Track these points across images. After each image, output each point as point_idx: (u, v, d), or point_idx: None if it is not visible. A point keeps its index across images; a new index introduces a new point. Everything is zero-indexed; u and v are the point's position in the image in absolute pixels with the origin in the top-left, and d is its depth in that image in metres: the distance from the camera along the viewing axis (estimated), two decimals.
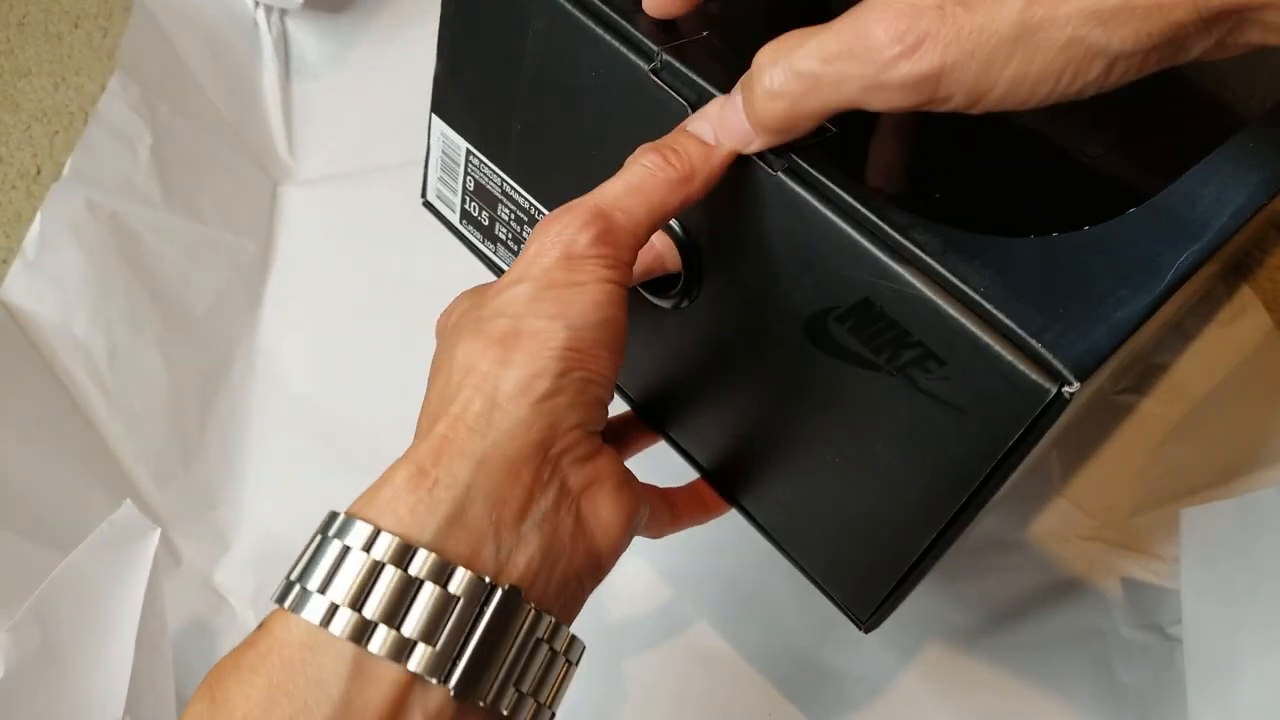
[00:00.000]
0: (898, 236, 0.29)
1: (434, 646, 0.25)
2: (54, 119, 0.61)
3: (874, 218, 0.30)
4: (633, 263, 0.29)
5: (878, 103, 0.25)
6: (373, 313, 0.57)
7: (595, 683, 0.47)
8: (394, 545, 0.25)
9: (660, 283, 0.36)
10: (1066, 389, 0.27)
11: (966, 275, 0.29)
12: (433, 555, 0.25)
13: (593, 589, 0.30)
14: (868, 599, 0.38)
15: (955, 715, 0.46)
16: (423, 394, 0.30)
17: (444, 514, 0.26)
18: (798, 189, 0.30)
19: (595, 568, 0.30)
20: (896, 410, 0.32)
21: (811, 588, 0.39)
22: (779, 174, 0.30)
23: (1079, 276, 0.31)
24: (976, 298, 0.28)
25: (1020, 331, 0.28)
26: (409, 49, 0.64)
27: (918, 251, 0.29)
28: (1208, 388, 0.53)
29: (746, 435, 0.38)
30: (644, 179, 0.28)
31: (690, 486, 0.40)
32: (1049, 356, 0.28)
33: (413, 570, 0.25)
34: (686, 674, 0.48)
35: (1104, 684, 0.46)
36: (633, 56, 0.33)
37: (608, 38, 0.34)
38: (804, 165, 0.30)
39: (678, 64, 0.32)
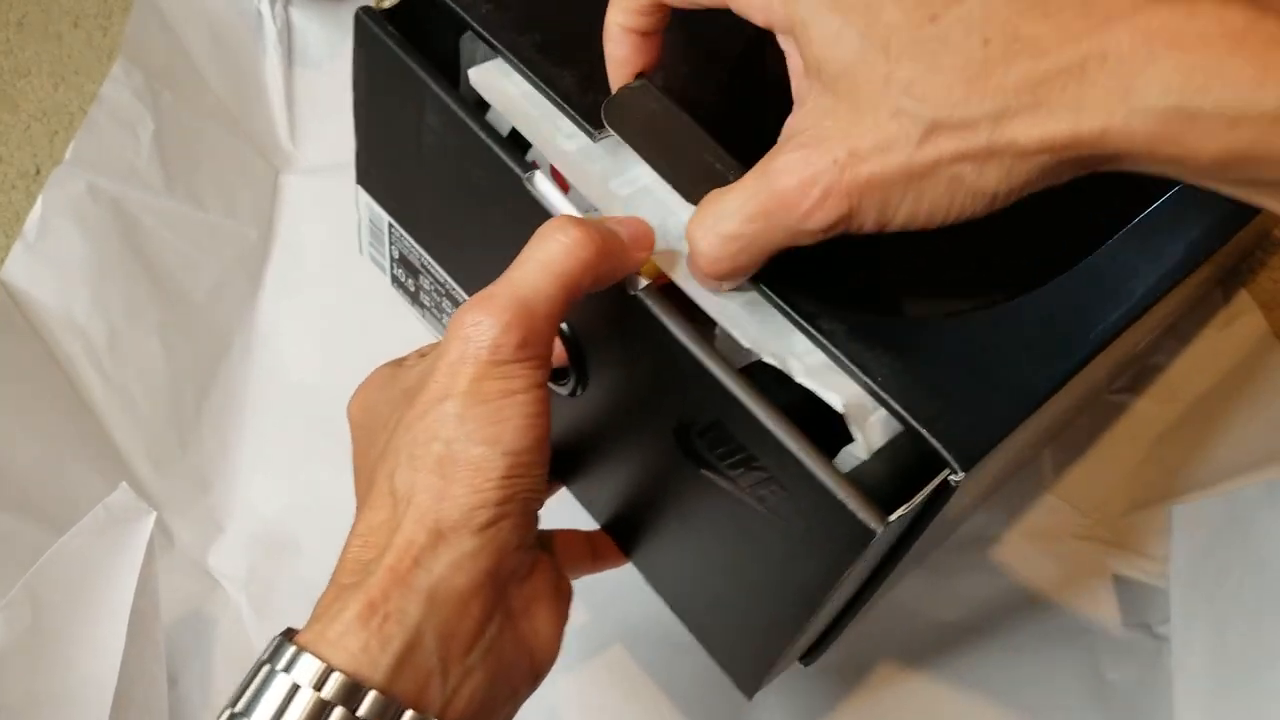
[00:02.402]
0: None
1: None
2: (53, 119, 0.62)
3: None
4: (550, 353, 0.29)
5: (804, 241, 0.28)
6: (371, 301, 0.57)
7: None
8: (343, 685, 0.25)
9: (555, 370, 0.36)
10: (892, 516, 0.28)
11: (866, 364, 0.30)
12: (381, 697, 0.25)
13: (528, 697, 0.30)
14: (744, 671, 0.38)
15: (942, 712, 0.46)
16: None
17: (395, 651, 0.25)
18: (654, 310, 0.30)
19: (533, 679, 0.30)
20: (751, 523, 0.32)
21: None
22: (637, 294, 0.31)
23: (989, 355, 0.32)
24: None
25: (911, 420, 0.29)
26: None
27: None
28: (1202, 389, 0.53)
29: (633, 511, 0.39)
30: (558, 256, 0.28)
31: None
32: (937, 446, 0.29)
33: (361, 712, 0.25)
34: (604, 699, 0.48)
35: (1092, 682, 0.46)
36: (510, 163, 0.34)
37: (487, 141, 0.34)
38: (666, 284, 0.31)
39: (545, 182, 0.33)
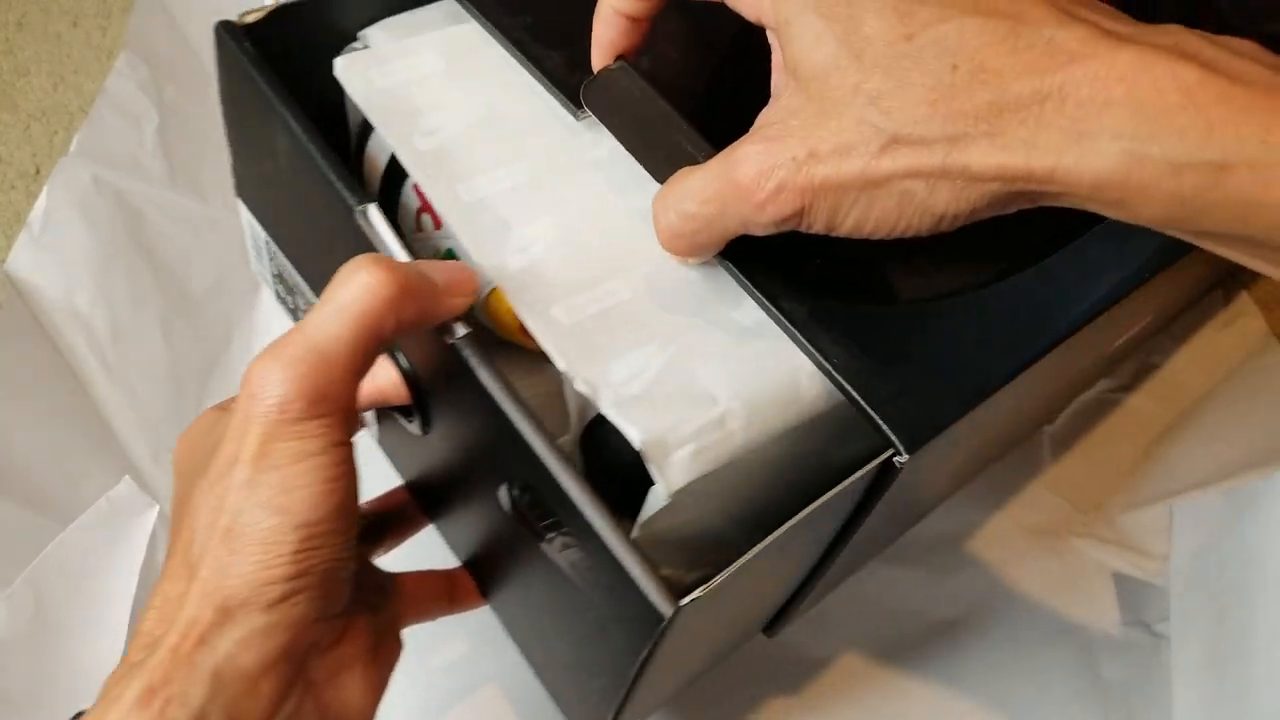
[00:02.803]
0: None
1: None
2: (53, 118, 0.61)
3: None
4: (353, 405, 0.27)
5: (757, 232, 0.29)
6: None
7: None
8: None
9: (405, 407, 0.36)
10: (684, 601, 0.26)
11: (824, 346, 0.30)
12: None
13: None
14: None
15: (939, 709, 0.46)
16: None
17: None
18: (469, 361, 0.29)
19: None
20: (565, 589, 0.31)
21: None
22: (454, 342, 0.30)
23: (947, 344, 0.32)
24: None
25: (861, 401, 0.29)
26: None
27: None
28: (1202, 388, 0.53)
29: (483, 554, 0.38)
30: (357, 298, 0.26)
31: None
32: (884, 427, 0.29)
33: None
34: None
35: (1089, 680, 0.46)
36: (344, 193, 0.33)
37: (324, 169, 0.33)
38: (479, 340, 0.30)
39: (377, 217, 0.32)
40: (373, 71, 0.35)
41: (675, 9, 0.33)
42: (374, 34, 0.38)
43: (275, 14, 0.37)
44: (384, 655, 0.30)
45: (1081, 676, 0.46)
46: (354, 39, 0.38)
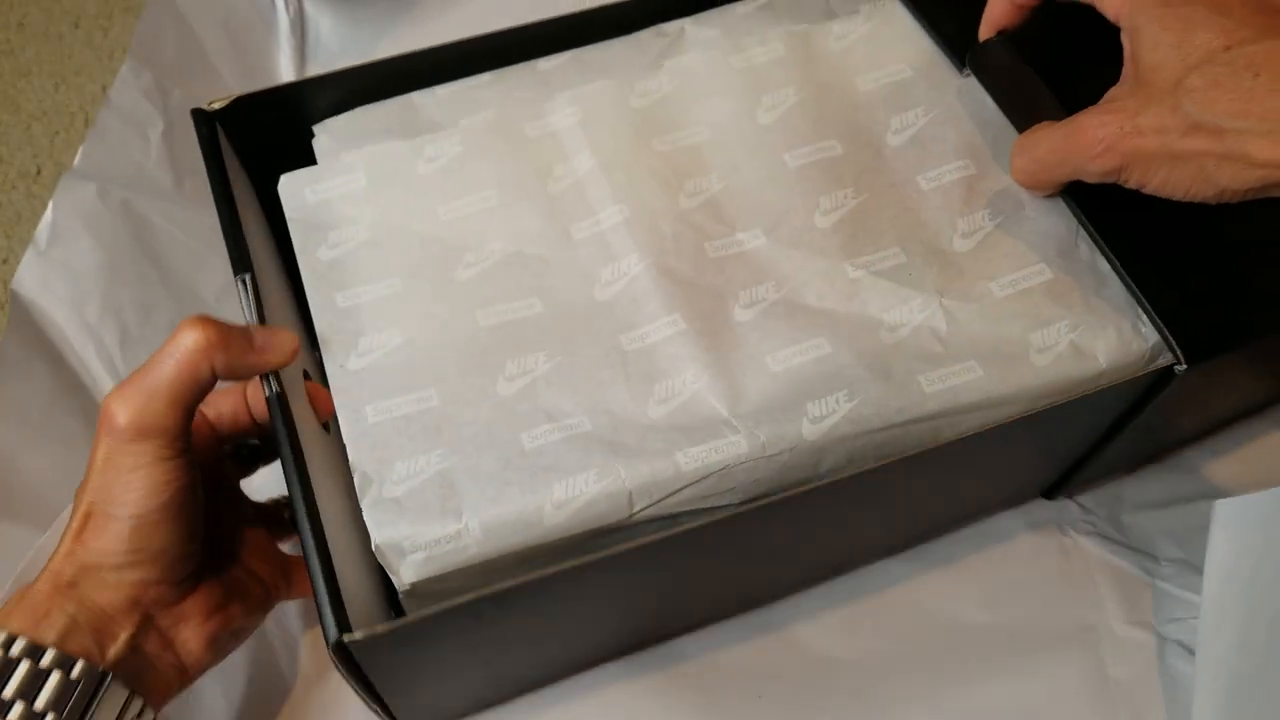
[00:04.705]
0: None
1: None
2: (54, 119, 0.61)
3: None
4: (186, 429, 0.35)
5: (1087, 179, 0.38)
6: None
7: None
8: (25, 644, 0.33)
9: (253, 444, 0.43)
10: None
11: (1140, 274, 0.39)
12: (56, 651, 0.34)
13: (182, 689, 0.38)
14: None
15: (944, 707, 0.46)
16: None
17: (59, 629, 0.34)
18: (272, 413, 0.35)
19: (182, 675, 0.38)
20: None
21: None
22: (270, 395, 0.36)
23: (1256, 282, 0.39)
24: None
25: (1152, 311, 0.38)
26: (425, 31, 0.63)
27: None
28: None
29: None
30: (182, 345, 0.34)
31: None
32: (1169, 337, 0.37)
33: (44, 662, 0.34)
34: None
35: (1095, 680, 0.46)
36: (231, 258, 0.39)
37: (226, 233, 0.40)
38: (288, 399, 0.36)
39: (249, 290, 0.38)
40: (307, 189, 0.41)
41: (1048, 2, 0.42)
42: (321, 137, 0.44)
43: (237, 101, 0.44)
44: (225, 617, 0.39)
45: (1088, 675, 0.46)
46: (313, 120, 0.45)
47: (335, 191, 0.41)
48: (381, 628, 0.31)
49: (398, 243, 0.40)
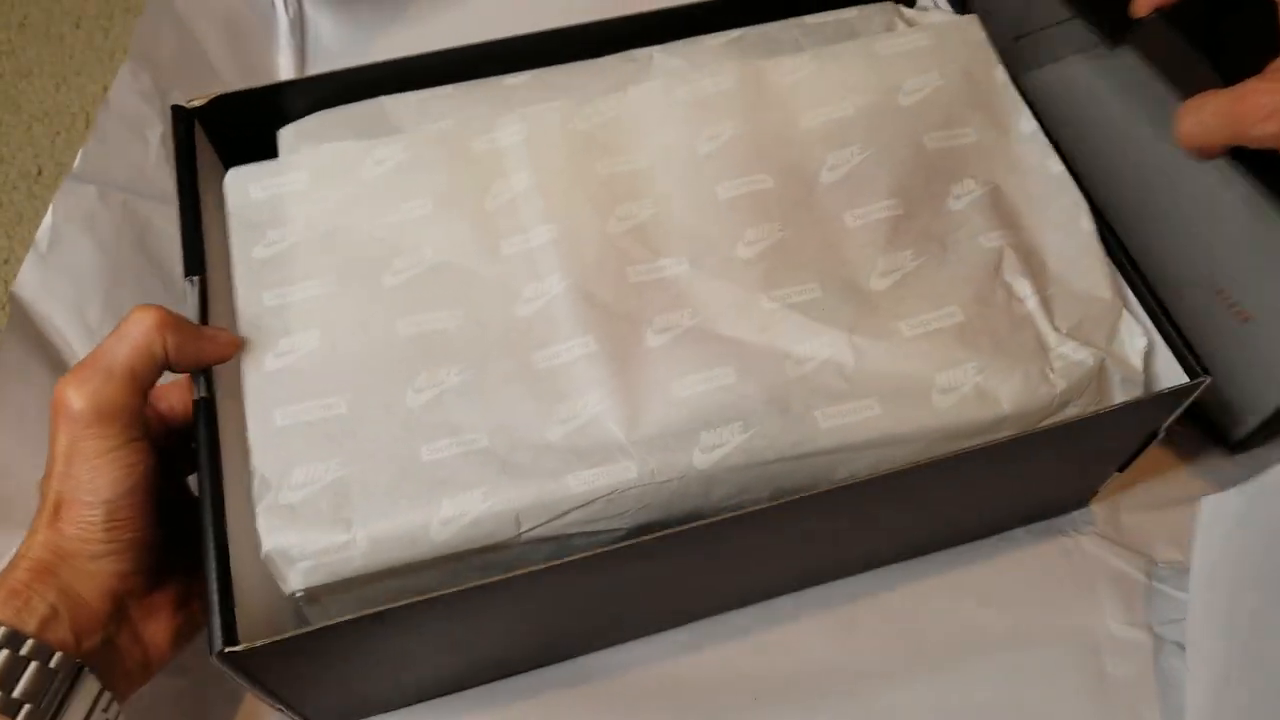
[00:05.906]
0: None
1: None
2: (55, 119, 0.61)
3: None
4: (142, 410, 0.35)
5: (1248, 144, 0.39)
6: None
7: None
8: (6, 632, 0.33)
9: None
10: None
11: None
12: (35, 640, 0.34)
13: (144, 682, 0.38)
14: None
15: (944, 706, 0.46)
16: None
17: (39, 617, 0.34)
18: (197, 418, 0.36)
19: (146, 668, 0.38)
20: None
21: None
22: (197, 398, 0.37)
23: None
24: None
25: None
26: (425, 32, 0.63)
27: None
28: None
29: None
30: (133, 326, 0.35)
31: None
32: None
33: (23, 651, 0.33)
34: None
35: (1092, 679, 0.46)
36: (183, 261, 0.40)
37: (181, 234, 0.40)
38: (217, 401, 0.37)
39: (195, 291, 0.39)
40: (251, 185, 0.42)
41: None
42: (286, 135, 0.45)
43: (218, 100, 0.45)
44: (189, 612, 0.39)
45: (1086, 675, 0.46)
46: (289, 118, 0.45)
47: (279, 189, 0.42)
48: (261, 642, 0.32)
49: (332, 243, 0.41)
